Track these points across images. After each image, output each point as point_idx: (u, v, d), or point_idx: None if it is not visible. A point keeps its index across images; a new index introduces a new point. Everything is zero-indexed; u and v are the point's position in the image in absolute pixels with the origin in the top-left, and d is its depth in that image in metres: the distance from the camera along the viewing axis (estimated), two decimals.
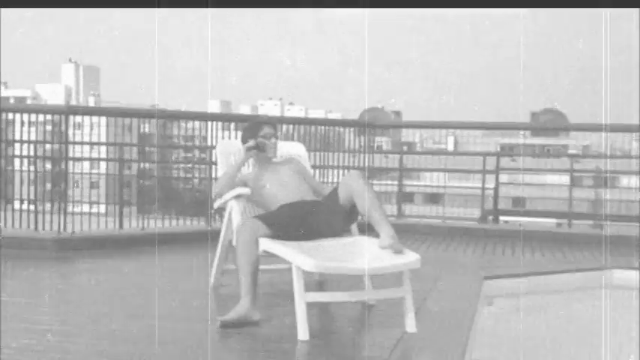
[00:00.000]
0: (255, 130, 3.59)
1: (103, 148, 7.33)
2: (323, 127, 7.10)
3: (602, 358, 3.37)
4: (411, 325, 3.00)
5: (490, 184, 7.41)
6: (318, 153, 6.62)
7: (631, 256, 5.26)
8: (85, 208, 6.66)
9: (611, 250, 5.64)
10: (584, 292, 4.62)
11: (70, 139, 5.89)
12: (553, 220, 9.19)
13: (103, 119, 6.79)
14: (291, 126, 6.97)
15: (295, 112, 77.73)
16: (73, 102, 61.65)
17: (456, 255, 5.53)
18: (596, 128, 7.55)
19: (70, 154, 5.96)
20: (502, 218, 7.85)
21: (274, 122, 3.79)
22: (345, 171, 6.80)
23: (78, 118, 6.07)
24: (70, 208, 5.64)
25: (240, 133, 3.82)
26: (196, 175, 8.13)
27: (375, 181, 7.59)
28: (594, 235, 6.73)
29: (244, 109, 72.76)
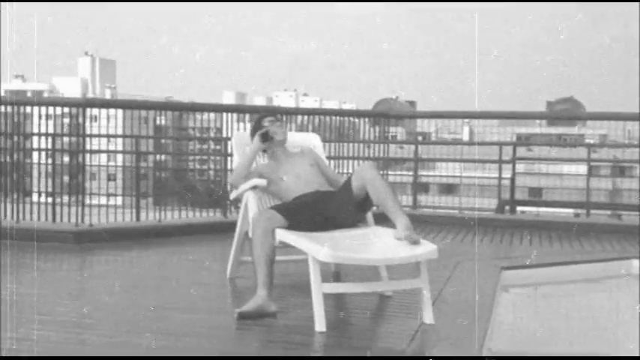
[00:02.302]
0: (258, 124, 3.67)
1: (120, 141, 7.35)
2: (337, 118, 7.08)
3: (621, 347, 3.34)
4: (428, 316, 2.99)
5: (507, 173, 7.34)
6: (332, 144, 6.61)
7: None
8: (103, 200, 6.71)
9: (630, 239, 5.58)
10: (602, 283, 4.58)
11: (87, 131, 5.93)
12: (570, 210, 9.11)
13: (120, 112, 6.84)
14: (305, 117, 6.96)
15: (310, 102, 77.67)
16: (90, 95, 62.04)
17: (472, 245, 5.50)
18: (614, 117, 7.46)
19: (87, 147, 6.01)
20: (519, 208, 7.79)
21: (273, 112, 3.83)
22: (360, 162, 6.79)
23: (94, 111, 6.10)
24: (87, 201, 5.68)
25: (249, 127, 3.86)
26: (211, 166, 8.15)
27: (390, 172, 7.56)
28: (612, 224, 6.66)
29: (259, 101, 72.82)
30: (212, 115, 7.80)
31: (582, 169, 8.10)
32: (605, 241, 5.62)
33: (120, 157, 7.75)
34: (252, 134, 3.64)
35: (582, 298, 4.43)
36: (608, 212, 8.93)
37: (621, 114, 7.24)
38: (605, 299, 4.40)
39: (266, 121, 3.64)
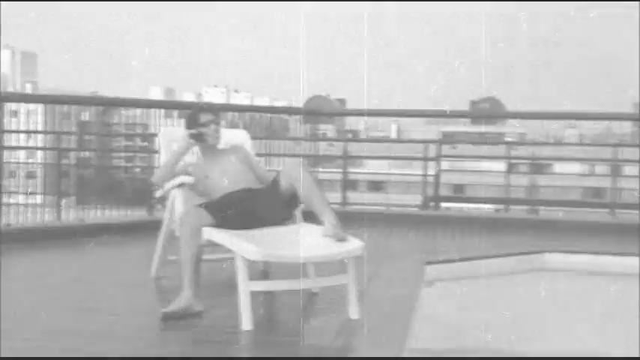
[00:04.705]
0: (194, 117, 3.55)
1: (41, 137, 7.10)
2: (268, 115, 7.09)
3: (539, 339, 3.50)
4: (354, 311, 3.05)
5: (432, 171, 7.55)
6: (263, 141, 6.60)
7: (565, 239, 5.48)
8: (21, 198, 6.46)
9: (547, 234, 5.85)
10: (519, 276, 4.78)
11: (6, 127, 5.69)
12: (491, 206, 9.46)
13: (41, 107, 6.60)
14: (236, 114, 6.92)
15: (241, 99, 77.05)
16: (10, 89, 59.30)
17: (398, 241, 5.62)
18: (532, 116, 7.79)
19: (5, 143, 5.76)
20: (443, 205, 8.02)
21: (214, 109, 3.76)
22: (290, 159, 6.82)
23: (13, 106, 5.87)
24: (5, 199, 5.45)
25: (183, 121, 3.78)
26: (138, 163, 7.98)
27: (319, 169, 7.62)
28: (530, 219, 6.97)
29: (188, 97, 71.58)
30: (138, 110, 7.64)
31: (502, 166, 8.42)
32: (522, 235, 5.87)
33: (40, 153, 7.47)
34: (187, 126, 3.54)
35: (500, 291, 4.61)
36: (526, 207, 9.31)
37: (542, 113, 7.58)
38: (520, 291, 4.59)
39: (203, 118, 3.53)
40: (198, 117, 3.53)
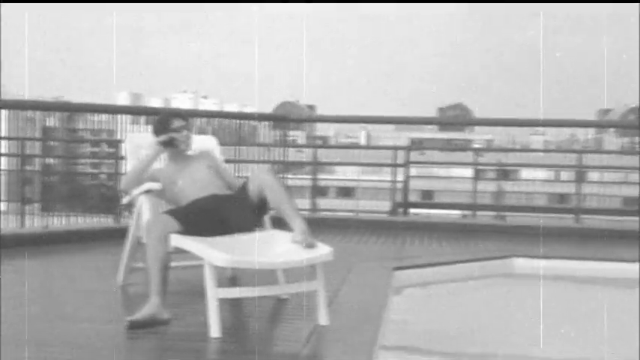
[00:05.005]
0: (165, 123, 3.51)
1: (4, 143, 6.95)
2: (237, 121, 7.05)
3: (506, 343, 3.54)
4: (323, 317, 3.04)
5: (400, 177, 7.60)
6: (232, 147, 6.57)
7: (531, 245, 5.56)
8: None
9: (513, 239, 5.93)
10: (484, 280, 4.84)
11: None
12: (459, 212, 9.56)
13: (4, 112, 6.45)
14: (204, 119, 6.87)
15: (209, 105, 76.57)
16: None
17: (367, 247, 5.64)
18: (499, 123, 7.91)
19: None
20: (412, 210, 8.08)
21: (185, 115, 3.73)
22: (260, 165, 6.79)
23: None
24: None
25: (150, 127, 3.73)
26: (104, 170, 7.87)
27: (289, 175, 7.61)
28: (497, 225, 7.06)
29: (156, 102, 70.91)
30: (104, 116, 7.54)
31: (470, 172, 8.51)
32: (489, 240, 5.94)
33: (4, 160, 7.32)
34: (156, 132, 3.51)
35: (467, 296, 4.66)
36: (493, 213, 9.43)
37: (506, 120, 7.69)
38: (488, 296, 4.64)
39: (175, 123, 3.49)
40: (170, 123, 3.49)
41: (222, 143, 4.14)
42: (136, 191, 3.42)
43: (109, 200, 6.61)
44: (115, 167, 6.33)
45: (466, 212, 8.72)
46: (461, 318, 3.99)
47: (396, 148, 7.68)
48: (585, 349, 3.45)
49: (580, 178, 7.83)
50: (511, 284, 4.86)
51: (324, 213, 7.84)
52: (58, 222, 5.56)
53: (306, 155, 8.25)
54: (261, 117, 7.67)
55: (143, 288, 3.10)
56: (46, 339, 2.80)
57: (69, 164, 8.84)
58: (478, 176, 8.11)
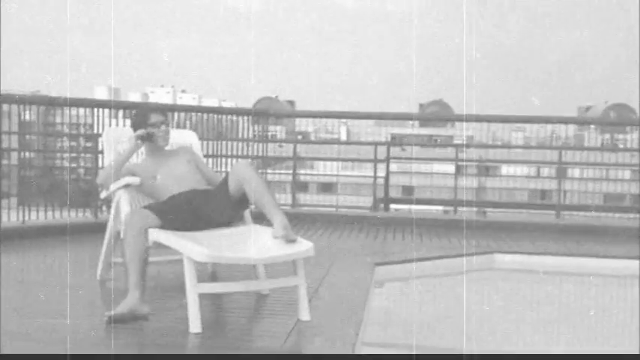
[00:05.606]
0: (143, 117, 3.46)
1: None
2: (216, 116, 6.99)
3: (487, 339, 3.56)
4: (304, 313, 3.02)
5: (381, 172, 7.59)
6: (211, 142, 6.51)
7: (512, 240, 5.60)
8: None
9: (494, 235, 5.96)
10: (468, 275, 4.85)
11: None
12: (440, 208, 9.59)
13: None
14: (183, 114, 6.81)
15: (188, 100, 76.09)
16: None
17: (348, 242, 5.63)
18: (479, 119, 7.94)
19: None
20: (393, 206, 8.08)
21: (163, 109, 3.68)
22: (239, 160, 6.75)
23: None
24: None
25: (128, 121, 3.68)
26: (82, 164, 7.77)
27: (269, 171, 7.58)
28: (478, 221, 7.09)
29: (134, 97, 70.29)
30: (82, 110, 7.42)
31: (451, 168, 8.54)
32: (470, 236, 5.96)
33: None
34: (133, 126, 3.47)
35: (448, 291, 4.67)
36: (474, 209, 9.48)
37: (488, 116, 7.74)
38: (468, 291, 4.66)
39: (154, 118, 3.45)
40: (148, 117, 3.45)
41: (201, 138, 4.10)
42: (113, 186, 3.37)
43: (88, 194, 6.52)
44: (93, 161, 6.25)
45: (447, 208, 8.75)
46: (442, 313, 4.00)
47: (376, 144, 7.67)
48: (565, 344, 3.47)
49: (561, 175, 7.89)
50: (492, 280, 4.88)
51: (305, 208, 7.82)
52: (35, 216, 5.46)
53: (285, 150, 8.21)
54: (241, 112, 7.62)
55: (122, 283, 3.05)
56: (22, 333, 2.76)
57: (46, 158, 8.70)
58: (459, 172, 8.13)
